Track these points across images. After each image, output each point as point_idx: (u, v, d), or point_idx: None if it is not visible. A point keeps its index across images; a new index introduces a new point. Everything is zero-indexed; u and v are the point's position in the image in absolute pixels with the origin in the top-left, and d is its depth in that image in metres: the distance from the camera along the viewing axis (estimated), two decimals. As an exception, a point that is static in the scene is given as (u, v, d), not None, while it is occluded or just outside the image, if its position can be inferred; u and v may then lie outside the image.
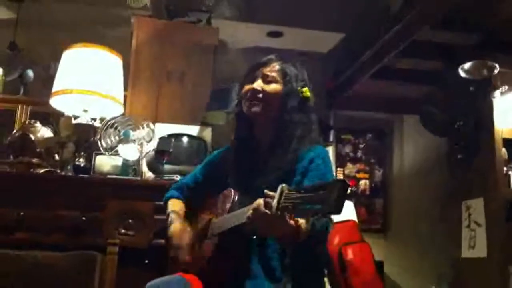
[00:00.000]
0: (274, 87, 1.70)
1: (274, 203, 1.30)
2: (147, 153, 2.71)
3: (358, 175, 4.57)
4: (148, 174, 2.72)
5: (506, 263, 3.33)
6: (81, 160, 2.67)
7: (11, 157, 2.72)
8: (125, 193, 2.49)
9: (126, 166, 2.69)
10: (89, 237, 2.37)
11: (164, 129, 2.91)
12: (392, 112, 4.72)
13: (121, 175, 2.65)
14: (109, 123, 2.74)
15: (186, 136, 2.93)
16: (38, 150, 2.72)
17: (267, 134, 1.72)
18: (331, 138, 4.41)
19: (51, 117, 3.17)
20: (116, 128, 2.74)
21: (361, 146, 4.65)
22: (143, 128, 2.75)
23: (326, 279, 2.53)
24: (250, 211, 1.37)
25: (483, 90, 3.61)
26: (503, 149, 3.56)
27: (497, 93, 3.55)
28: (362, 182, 4.56)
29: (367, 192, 4.55)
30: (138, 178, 2.68)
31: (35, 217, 2.38)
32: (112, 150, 2.71)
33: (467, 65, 3.43)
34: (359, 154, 4.64)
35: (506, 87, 3.55)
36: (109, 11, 3.97)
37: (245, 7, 4.05)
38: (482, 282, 3.46)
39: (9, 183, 2.49)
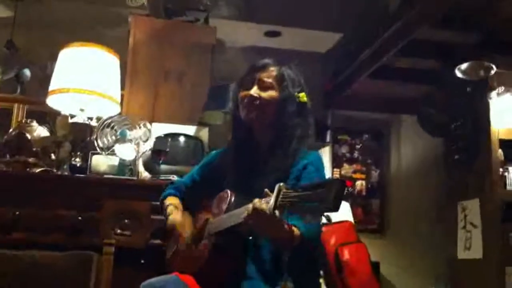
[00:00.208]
0: (270, 93, 1.70)
1: (272, 201, 1.31)
2: (143, 153, 2.70)
3: (354, 176, 4.57)
4: (145, 174, 2.72)
5: (502, 264, 3.34)
6: (78, 159, 2.67)
7: (7, 156, 2.71)
8: (121, 193, 2.49)
9: (123, 166, 2.68)
10: (86, 237, 2.36)
11: (161, 128, 2.90)
12: (390, 112, 4.72)
13: (118, 175, 2.65)
14: (105, 122, 2.74)
15: (183, 136, 2.92)
16: (34, 149, 2.71)
17: (265, 136, 1.73)
18: (328, 138, 4.40)
19: (48, 116, 3.16)
20: (112, 127, 2.73)
21: (358, 146, 4.65)
22: (139, 127, 2.75)
23: (322, 280, 2.54)
24: (247, 211, 1.37)
25: (480, 90, 3.62)
26: (500, 150, 3.57)
27: (493, 94, 3.57)
28: (358, 183, 4.56)
29: (364, 193, 4.55)
30: (135, 178, 2.67)
31: (31, 216, 2.38)
32: (108, 149, 2.70)
33: (464, 66, 3.44)
34: (356, 154, 4.64)
35: (503, 88, 3.56)
36: (107, 10, 3.96)
37: (243, 6, 4.05)
38: (479, 283, 3.47)
39: (5, 183, 2.48)
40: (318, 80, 4.34)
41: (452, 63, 3.52)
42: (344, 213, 2.87)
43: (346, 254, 2.57)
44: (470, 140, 3.73)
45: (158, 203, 1.95)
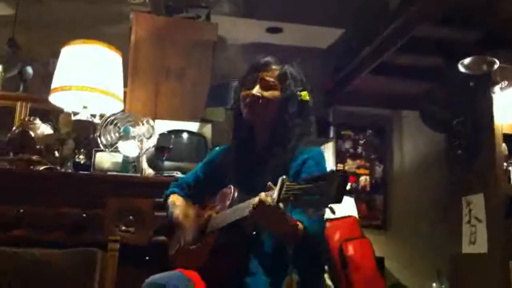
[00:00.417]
0: (272, 93, 1.71)
1: (276, 194, 1.31)
2: (147, 149, 2.70)
3: (358, 171, 4.56)
4: (148, 171, 2.72)
5: (506, 258, 3.33)
6: (81, 157, 2.67)
7: (11, 154, 2.71)
8: (125, 190, 2.48)
9: (126, 163, 2.68)
10: (90, 234, 2.36)
11: (164, 125, 2.90)
12: (391, 108, 4.71)
13: (121, 172, 2.65)
14: (108, 119, 2.74)
15: (186, 133, 2.92)
16: (38, 147, 2.71)
17: (266, 134, 1.74)
18: (331, 134, 4.40)
19: (51, 114, 3.16)
20: (116, 124, 2.73)
21: (361, 142, 4.64)
22: (143, 124, 2.75)
23: (326, 275, 2.54)
24: (252, 205, 1.37)
25: (482, 85, 3.61)
26: (503, 145, 3.56)
27: (496, 88, 3.55)
28: (362, 178, 4.56)
29: (368, 188, 4.55)
30: (138, 175, 2.67)
31: (35, 214, 2.37)
32: (112, 146, 2.70)
33: (466, 60, 3.42)
34: (359, 150, 4.63)
35: (506, 82, 3.54)
36: (108, 7, 3.96)
37: (244, 3, 4.05)
38: (483, 278, 3.46)
39: (9, 180, 2.48)
40: (319, 76, 4.33)
41: (454, 59, 3.51)
42: (349, 208, 2.87)
43: (350, 250, 2.58)
44: (472, 135, 3.72)
45: (161, 200, 1.95)
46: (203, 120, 3.06)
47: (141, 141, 2.70)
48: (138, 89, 3.31)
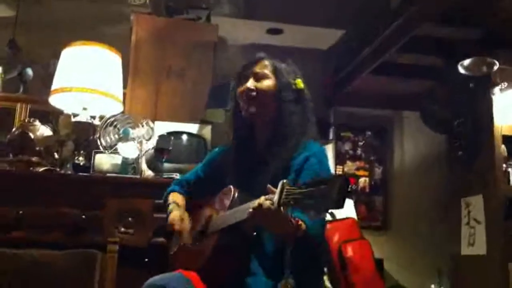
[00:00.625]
0: (266, 83, 1.72)
1: (276, 199, 1.31)
2: (146, 151, 2.70)
3: (357, 173, 4.56)
4: (148, 172, 2.72)
5: (506, 260, 3.33)
6: (81, 158, 2.67)
7: (11, 155, 2.71)
8: (124, 192, 2.49)
9: (126, 164, 2.69)
10: (89, 236, 2.36)
11: (163, 127, 2.90)
12: (392, 109, 4.71)
13: (121, 174, 2.65)
14: (108, 121, 2.74)
15: (186, 134, 2.92)
16: (37, 148, 2.72)
17: (265, 133, 1.73)
18: (331, 135, 4.40)
19: (51, 116, 3.17)
20: (115, 126, 2.74)
21: (361, 143, 4.64)
22: (142, 126, 2.75)
23: (325, 277, 2.53)
24: (252, 208, 1.37)
25: (482, 87, 3.61)
26: (503, 146, 3.56)
27: (496, 90, 3.55)
28: (361, 180, 4.56)
29: (367, 190, 4.55)
30: (138, 176, 2.68)
31: (35, 215, 2.37)
32: (111, 148, 2.71)
33: (466, 62, 3.42)
34: (359, 151, 4.63)
35: (506, 84, 3.54)
36: (109, 8, 3.96)
37: (245, 4, 4.05)
38: (482, 279, 3.46)
39: (8, 182, 2.49)
40: (319, 77, 4.33)
41: (454, 60, 3.52)
42: (348, 210, 2.87)
43: (349, 251, 2.57)
44: (472, 136, 3.72)
45: (161, 201, 1.95)
46: (203, 122, 3.06)
47: (140, 143, 2.70)
48: (138, 90, 3.31)
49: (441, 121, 3.99)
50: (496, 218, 3.44)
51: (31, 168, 2.62)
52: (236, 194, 1.60)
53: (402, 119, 4.75)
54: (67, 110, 2.80)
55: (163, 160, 2.62)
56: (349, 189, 1.23)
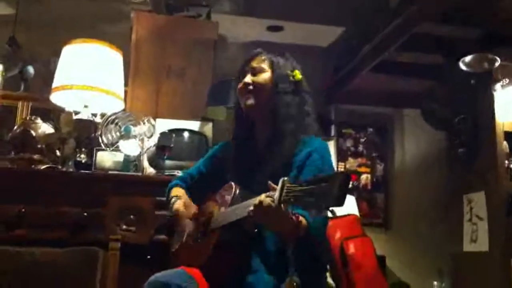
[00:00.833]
0: (263, 76, 1.74)
1: (276, 196, 1.31)
2: (148, 148, 2.70)
3: (359, 170, 4.56)
4: (149, 170, 2.72)
5: (508, 257, 3.33)
6: (82, 156, 2.67)
7: (12, 153, 2.72)
8: (126, 189, 2.49)
9: (127, 162, 2.69)
10: (91, 233, 2.37)
11: (165, 124, 2.91)
12: (393, 106, 4.71)
13: (122, 171, 2.65)
14: (109, 118, 2.74)
15: (187, 132, 2.93)
16: (39, 146, 2.71)
17: (265, 132, 1.74)
18: (332, 132, 4.40)
19: (52, 113, 3.17)
20: (117, 123, 2.74)
21: (362, 140, 4.64)
22: (144, 123, 2.75)
23: (328, 274, 2.53)
24: (252, 206, 1.37)
25: (484, 83, 3.60)
26: (504, 143, 3.55)
27: (498, 86, 3.54)
28: (363, 177, 4.56)
29: (369, 187, 4.55)
30: (139, 173, 2.67)
31: (36, 213, 2.38)
32: (113, 146, 2.71)
33: (467, 58, 3.41)
34: (361, 148, 4.63)
35: (507, 80, 3.53)
36: (109, 6, 3.96)
37: (245, 1, 4.04)
38: (484, 276, 3.46)
39: (10, 180, 2.48)
40: (320, 74, 4.33)
41: (455, 58, 3.51)
42: (350, 206, 2.86)
43: (351, 248, 2.56)
44: (473, 133, 3.71)
45: (162, 198, 1.95)
46: (204, 119, 3.06)
47: (142, 140, 2.70)
48: (139, 88, 3.31)
49: (441, 119, 3.99)
50: (498, 215, 3.43)
51: (33, 166, 2.62)
52: (238, 191, 1.60)
53: (403, 117, 4.74)
54: (69, 107, 2.79)
55: (165, 157, 2.62)
56: (349, 186, 1.23)
